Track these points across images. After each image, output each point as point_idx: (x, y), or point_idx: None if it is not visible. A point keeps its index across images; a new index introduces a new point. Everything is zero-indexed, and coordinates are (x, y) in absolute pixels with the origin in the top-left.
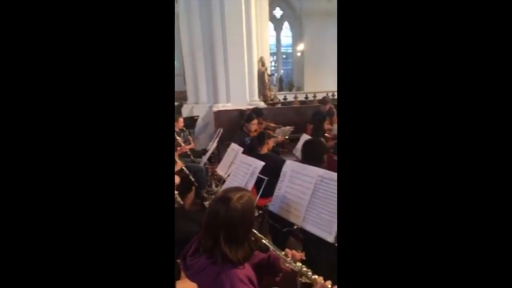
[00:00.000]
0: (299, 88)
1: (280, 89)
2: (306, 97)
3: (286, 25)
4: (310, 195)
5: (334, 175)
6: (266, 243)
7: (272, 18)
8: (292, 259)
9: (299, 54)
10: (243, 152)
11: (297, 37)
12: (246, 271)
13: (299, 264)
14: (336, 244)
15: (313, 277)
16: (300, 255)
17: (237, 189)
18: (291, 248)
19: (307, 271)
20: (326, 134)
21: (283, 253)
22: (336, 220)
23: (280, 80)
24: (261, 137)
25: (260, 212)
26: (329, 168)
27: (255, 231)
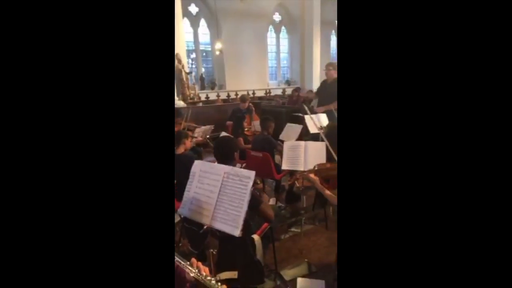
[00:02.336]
0: (221, 87)
1: (202, 87)
2: (228, 96)
3: (203, 22)
4: (218, 193)
5: (239, 170)
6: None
7: (188, 14)
8: (197, 269)
9: (217, 52)
10: None
11: (215, 35)
12: None
13: (203, 274)
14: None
15: (216, 285)
16: (203, 268)
17: None
18: (210, 248)
19: (210, 280)
20: (245, 132)
21: (188, 263)
22: (241, 214)
23: (201, 78)
24: (177, 137)
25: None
26: (248, 164)
27: None
